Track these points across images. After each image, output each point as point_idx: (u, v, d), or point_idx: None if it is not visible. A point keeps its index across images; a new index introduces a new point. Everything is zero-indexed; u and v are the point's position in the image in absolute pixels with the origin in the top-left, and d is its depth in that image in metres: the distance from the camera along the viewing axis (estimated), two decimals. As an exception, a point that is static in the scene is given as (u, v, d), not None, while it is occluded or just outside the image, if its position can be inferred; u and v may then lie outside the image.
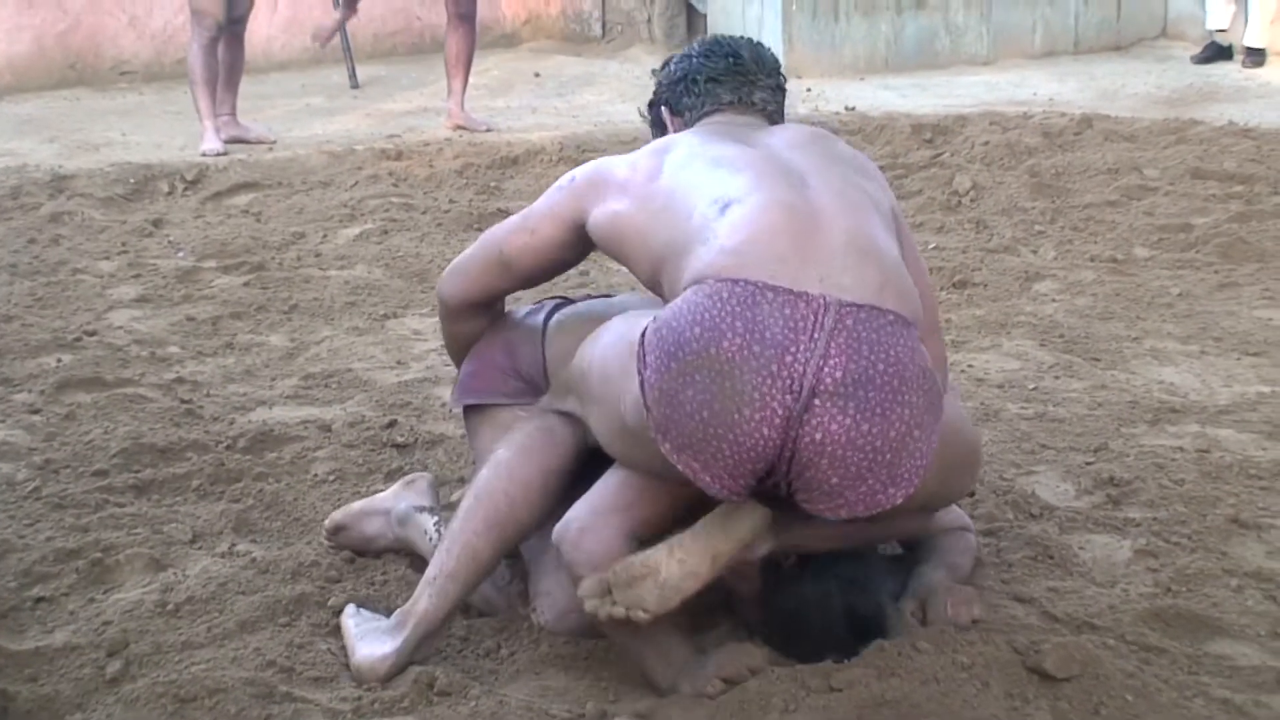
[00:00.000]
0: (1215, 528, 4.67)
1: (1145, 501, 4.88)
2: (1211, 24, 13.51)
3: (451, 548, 3.96)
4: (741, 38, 4.53)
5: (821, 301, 3.54)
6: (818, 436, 3.48)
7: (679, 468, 3.55)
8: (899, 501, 3.57)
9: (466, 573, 3.94)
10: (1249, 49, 13.05)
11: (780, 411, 3.48)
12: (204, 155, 10.09)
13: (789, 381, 3.47)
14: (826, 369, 3.49)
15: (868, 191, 3.91)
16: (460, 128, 10.92)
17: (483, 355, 4.41)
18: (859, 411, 3.48)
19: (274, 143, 10.56)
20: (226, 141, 10.34)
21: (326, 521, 4.62)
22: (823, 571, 3.92)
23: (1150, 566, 4.44)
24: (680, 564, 3.61)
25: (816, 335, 3.51)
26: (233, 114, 10.71)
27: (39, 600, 4.29)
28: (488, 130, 10.90)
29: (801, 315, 3.52)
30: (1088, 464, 5.20)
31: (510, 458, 4.02)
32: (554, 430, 4.03)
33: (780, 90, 4.43)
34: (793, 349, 3.49)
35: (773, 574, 3.98)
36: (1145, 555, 4.50)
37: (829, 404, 3.48)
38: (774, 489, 3.59)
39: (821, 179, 3.85)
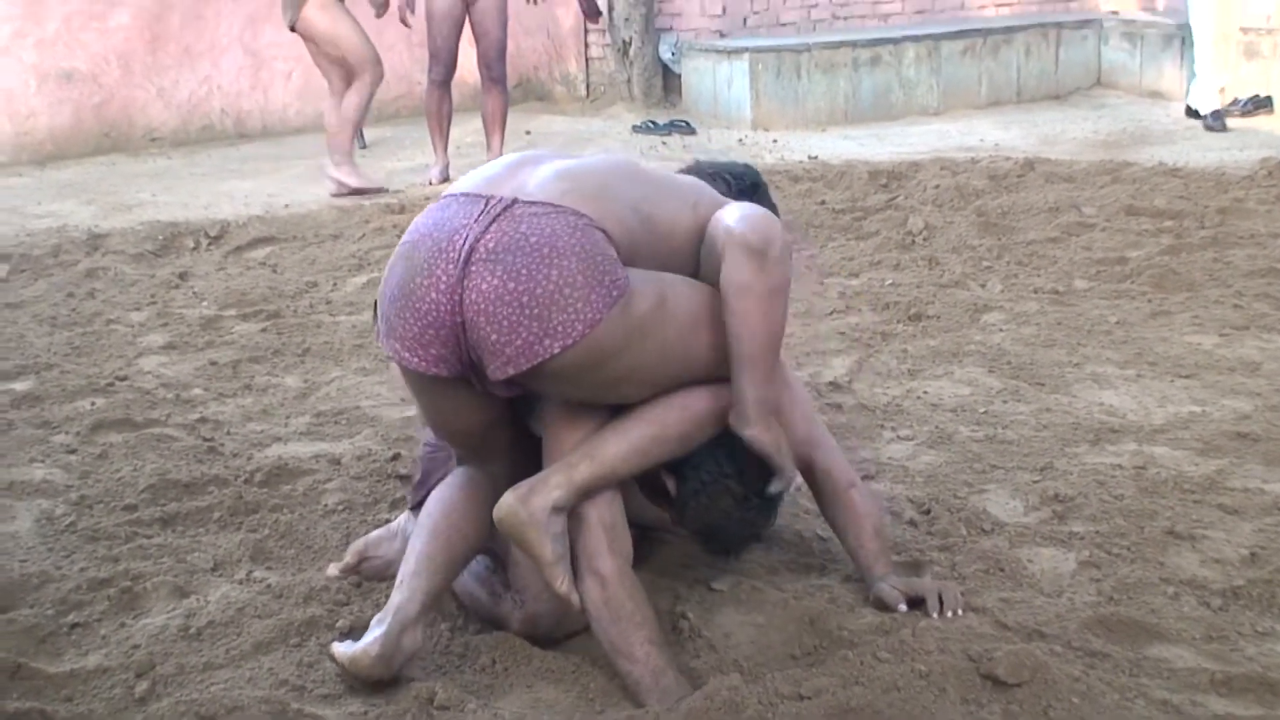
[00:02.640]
0: (1153, 539, 4.62)
1: (1088, 516, 4.82)
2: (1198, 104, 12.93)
3: (409, 555, 4.00)
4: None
5: (500, 199, 3.79)
6: (472, 296, 3.65)
7: (388, 354, 3.83)
8: (557, 351, 3.62)
9: (428, 572, 3.95)
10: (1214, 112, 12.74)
11: (444, 277, 3.69)
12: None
13: (453, 254, 3.70)
14: (483, 241, 3.69)
15: (640, 173, 4.10)
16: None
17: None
18: (506, 272, 3.64)
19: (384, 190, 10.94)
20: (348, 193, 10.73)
21: (348, 555, 4.51)
22: (700, 482, 4.02)
23: (1093, 577, 4.39)
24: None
25: (483, 219, 3.74)
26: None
27: (74, 626, 4.24)
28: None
29: (480, 209, 3.78)
30: (1035, 482, 5.14)
31: (450, 493, 4.14)
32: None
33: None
34: (463, 231, 3.73)
35: (669, 504, 4.11)
36: (1089, 566, 4.45)
37: (481, 267, 3.66)
38: (470, 365, 3.76)
39: (594, 160, 4.09)
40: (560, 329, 3.62)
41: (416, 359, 3.77)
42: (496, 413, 4.02)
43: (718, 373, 3.91)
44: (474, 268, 3.66)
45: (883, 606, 4.15)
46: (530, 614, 4.11)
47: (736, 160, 4.83)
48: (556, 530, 3.79)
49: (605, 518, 3.87)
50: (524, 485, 3.83)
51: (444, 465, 4.34)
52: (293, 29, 10.65)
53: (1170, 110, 13.50)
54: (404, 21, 11.21)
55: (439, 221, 3.80)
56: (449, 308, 3.68)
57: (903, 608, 4.10)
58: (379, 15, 11.03)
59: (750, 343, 3.84)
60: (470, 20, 11.06)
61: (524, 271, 3.63)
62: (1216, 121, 12.44)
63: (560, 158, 4.04)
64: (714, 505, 4.01)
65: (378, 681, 3.84)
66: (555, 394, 3.90)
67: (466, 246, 3.69)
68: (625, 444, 3.87)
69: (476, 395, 3.90)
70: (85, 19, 12.98)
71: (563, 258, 3.64)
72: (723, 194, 4.26)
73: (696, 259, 3.97)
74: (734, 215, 3.89)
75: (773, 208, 4.43)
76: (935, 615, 4.04)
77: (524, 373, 3.69)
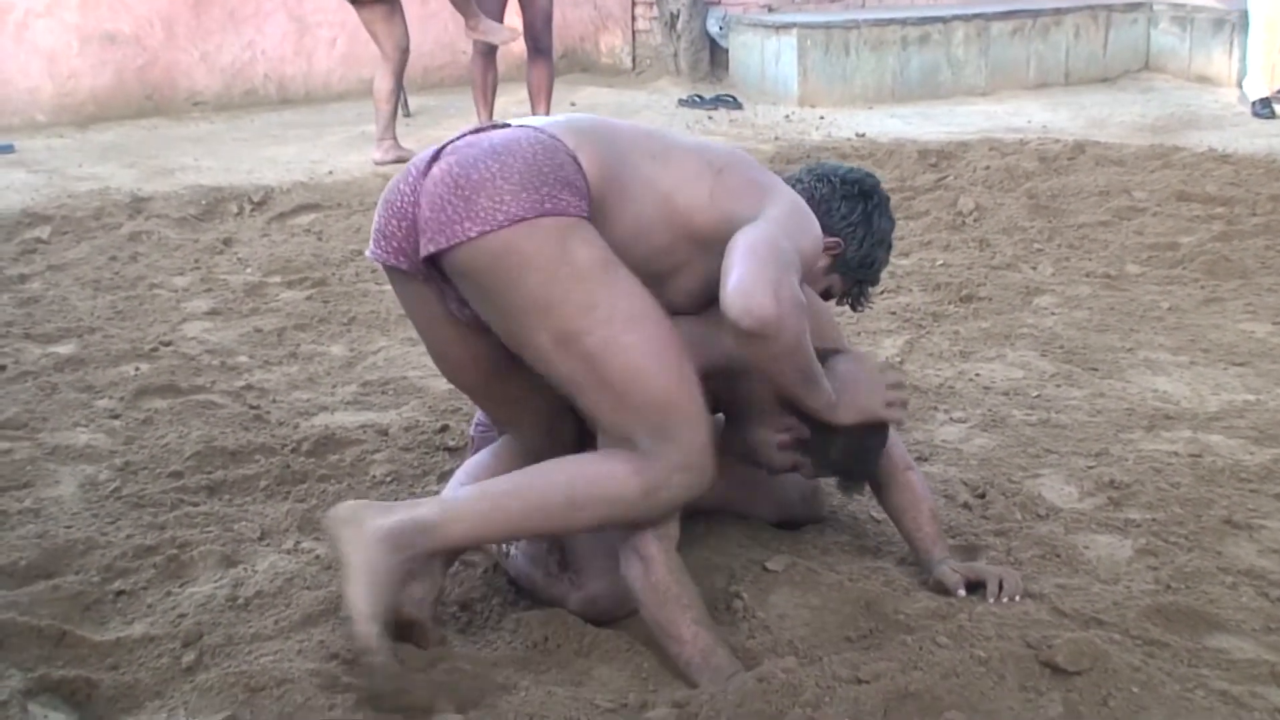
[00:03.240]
0: (1210, 528, 4.57)
1: (1144, 504, 4.78)
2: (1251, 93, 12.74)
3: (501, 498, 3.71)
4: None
5: (497, 124, 3.91)
6: (425, 183, 3.71)
7: (369, 256, 3.90)
8: (474, 234, 3.57)
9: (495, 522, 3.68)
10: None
11: (413, 171, 3.78)
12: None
13: (428, 155, 3.78)
14: (454, 143, 3.78)
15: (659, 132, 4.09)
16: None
17: None
18: (456, 160, 3.69)
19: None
20: (391, 162, 10.66)
21: None
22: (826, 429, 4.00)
23: (1151, 565, 4.35)
24: None
25: (468, 133, 3.83)
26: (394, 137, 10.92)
27: (119, 594, 4.21)
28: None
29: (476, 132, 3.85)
30: (1090, 468, 5.09)
31: (481, 457, 4.20)
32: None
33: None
34: (450, 141, 3.82)
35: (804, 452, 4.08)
36: (1146, 554, 4.41)
37: (442, 160, 3.72)
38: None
39: (618, 122, 4.08)
40: (482, 213, 3.57)
41: (380, 249, 3.82)
42: (486, 351, 3.88)
43: (615, 392, 3.63)
44: (438, 161, 3.73)
45: (941, 590, 4.12)
46: (589, 595, 4.06)
47: (859, 168, 4.61)
48: (391, 566, 3.53)
49: None
50: (392, 503, 3.66)
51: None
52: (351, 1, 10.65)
53: (1219, 95, 13.38)
54: None
55: (439, 143, 3.89)
56: (411, 198, 3.74)
57: (961, 592, 4.08)
58: None
59: (786, 387, 3.82)
60: (517, -11, 11.01)
61: (470, 160, 3.65)
62: (1265, 109, 12.32)
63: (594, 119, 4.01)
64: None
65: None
66: (481, 312, 3.75)
67: (440, 147, 3.80)
68: (517, 506, 3.66)
69: (454, 319, 3.84)
70: (130, -19, 12.95)
71: (511, 156, 3.64)
72: (826, 195, 4.27)
73: (702, 245, 3.84)
74: (731, 280, 3.54)
75: (882, 224, 4.43)
76: (993, 600, 4.01)
77: (445, 256, 3.64)
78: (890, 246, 4.52)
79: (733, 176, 3.89)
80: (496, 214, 3.56)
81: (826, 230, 4.29)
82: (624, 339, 3.60)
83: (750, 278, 3.52)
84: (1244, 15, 12.94)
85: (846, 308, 4.60)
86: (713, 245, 3.74)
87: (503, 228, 3.56)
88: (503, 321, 3.70)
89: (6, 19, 12.48)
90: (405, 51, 10.71)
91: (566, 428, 4.04)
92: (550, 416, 4.06)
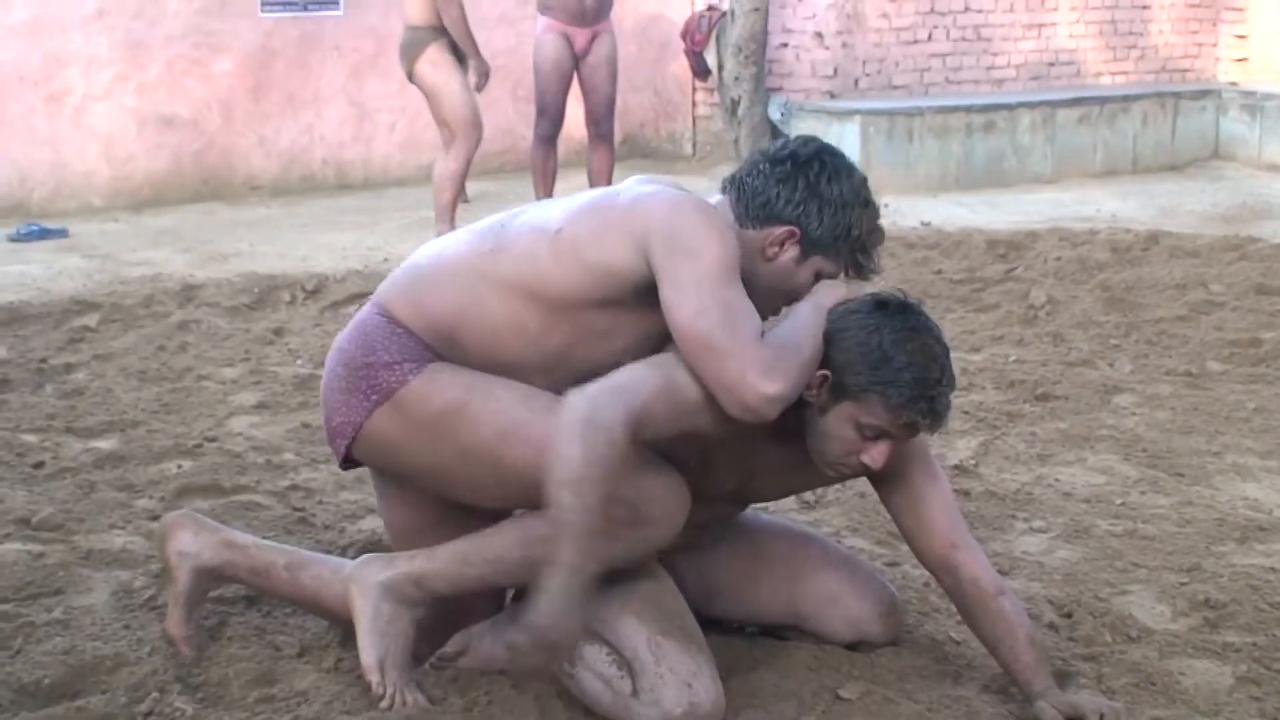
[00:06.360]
0: (1315, 655, 4.24)
1: (1243, 625, 4.46)
2: None
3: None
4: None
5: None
6: None
7: None
8: (344, 449, 3.99)
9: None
10: None
11: None
12: None
13: None
14: None
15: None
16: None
17: None
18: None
19: None
20: None
21: (450, 644, 4.11)
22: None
23: (1253, 695, 4.04)
24: None
25: None
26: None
27: (148, 715, 3.89)
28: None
29: None
30: (1182, 584, 4.77)
31: None
32: None
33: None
34: None
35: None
36: (1248, 683, 4.10)
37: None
38: None
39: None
40: (339, 429, 3.94)
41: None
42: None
43: (536, 493, 3.63)
44: None
45: None
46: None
47: (792, 139, 4.20)
48: (392, 615, 3.96)
49: None
50: (395, 555, 4.08)
51: None
52: (411, 81, 10.47)
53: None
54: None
55: None
56: None
57: None
58: (479, 88, 10.74)
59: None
60: (579, 75, 10.85)
61: (325, 370, 4.06)
62: None
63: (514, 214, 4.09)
64: (847, 333, 3.82)
65: None
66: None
67: None
68: (478, 560, 3.94)
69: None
70: (188, 64, 12.83)
71: (333, 360, 3.99)
72: (759, 188, 3.99)
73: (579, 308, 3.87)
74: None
75: (834, 188, 3.96)
76: None
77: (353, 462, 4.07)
78: (865, 202, 4.01)
79: (575, 226, 3.86)
80: (346, 428, 3.94)
81: (777, 220, 3.95)
82: (507, 455, 3.79)
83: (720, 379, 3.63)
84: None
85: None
86: (587, 307, 3.82)
87: (356, 437, 3.93)
88: (414, 481, 4.08)
89: (64, 101, 12.38)
90: (478, 128, 10.51)
91: None
92: None
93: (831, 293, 3.90)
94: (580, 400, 3.56)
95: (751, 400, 3.58)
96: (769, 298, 3.97)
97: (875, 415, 3.78)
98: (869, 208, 4.02)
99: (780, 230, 3.94)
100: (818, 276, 3.99)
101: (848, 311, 3.83)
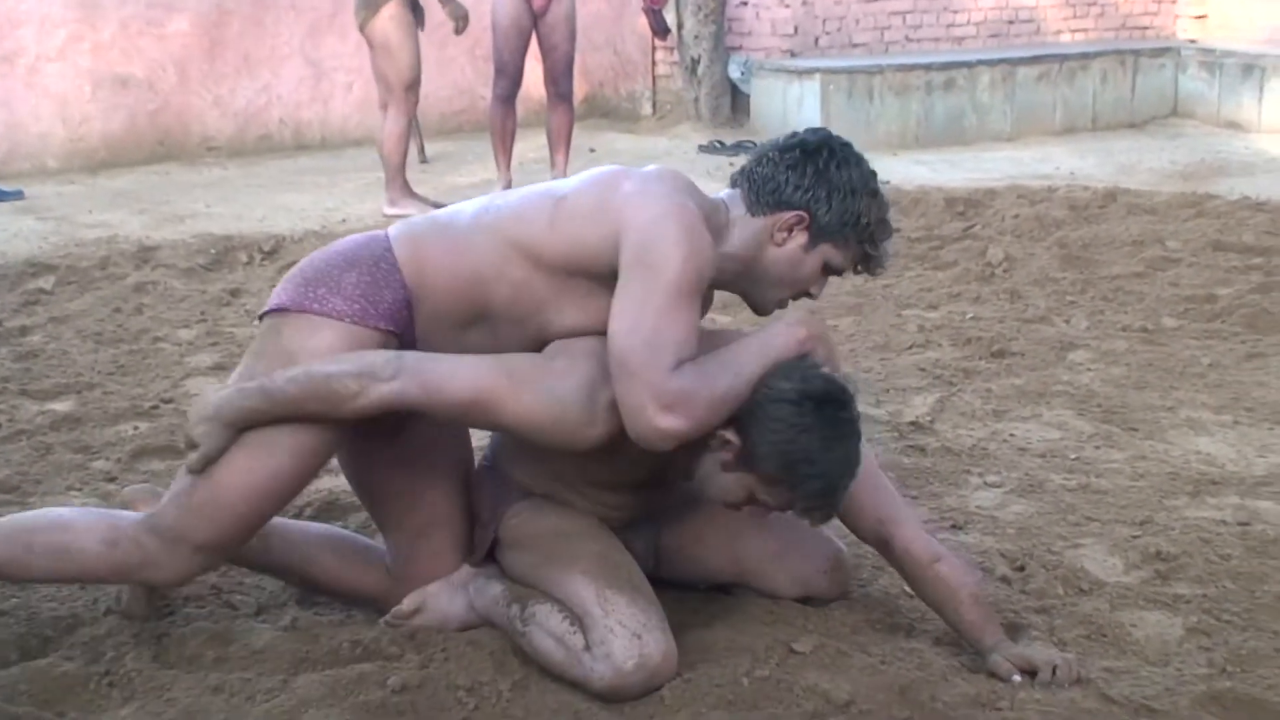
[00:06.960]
0: (1265, 605, 4.29)
1: (1193, 577, 4.50)
2: None
3: None
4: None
5: None
6: None
7: None
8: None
9: None
10: None
11: None
12: None
13: None
14: None
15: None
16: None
17: None
18: None
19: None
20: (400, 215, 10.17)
21: (406, 603, 4.16)
22: (754, 403, 3.76)
23: (1203, 645, 4.07)
24: None
25: None
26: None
27: (105, 675, 3.90)
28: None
29: None
30: (1134, 537, 4.81)
31: None
32: None
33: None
34: None
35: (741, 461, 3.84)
36: (1197, 633, 4.14)
37: None
38: None
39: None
40: (275, 296, 4.11)
41: None
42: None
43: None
44: None
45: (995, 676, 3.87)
46: (614, 682, 3.80)
47: (802, 131, 4.19)
48: None
49: None
50: None
51: (508, 494, 4.16)
52: (362, 31, 10.43)
53: (1249, 142, 13.19)
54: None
55: None
56: None
57: (1016, 678, 3.83)
58: (459, 32, 10.76)
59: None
60: (538, 34, 10.82)
61: None
62: None
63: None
64: (775, 420, 3.70)
65: None
66: None
67: None
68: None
69: None
70: (142, 24, 12.80)
71: (322, 252, 4.22)
72: (768, 175, 3.98)
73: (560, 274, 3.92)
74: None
75: (844, 174, 3.96)
76: (1043, 686, 3.76)
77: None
78: (874, 192, 4.02)
79: (578, 200, 3.90)
80: (279, 301, 4.14)
81: (786, 206, 3.95)
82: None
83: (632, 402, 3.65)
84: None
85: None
86: (571, 274, 3.87)
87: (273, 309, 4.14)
88: None
89: (18, 63, 12.35)
90: (417, 90, 10.50)
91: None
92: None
93: (787, 337, 3.84)
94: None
95: (644, 430, 3.61)
96: (776, 288, 4.03)
97: (774, 498, 3.80)
98: (877, 198, 4.02)
99: (789, 215, 3.96)
100: (826, 269, 4.03)
101: (782, 398, 3.73)
